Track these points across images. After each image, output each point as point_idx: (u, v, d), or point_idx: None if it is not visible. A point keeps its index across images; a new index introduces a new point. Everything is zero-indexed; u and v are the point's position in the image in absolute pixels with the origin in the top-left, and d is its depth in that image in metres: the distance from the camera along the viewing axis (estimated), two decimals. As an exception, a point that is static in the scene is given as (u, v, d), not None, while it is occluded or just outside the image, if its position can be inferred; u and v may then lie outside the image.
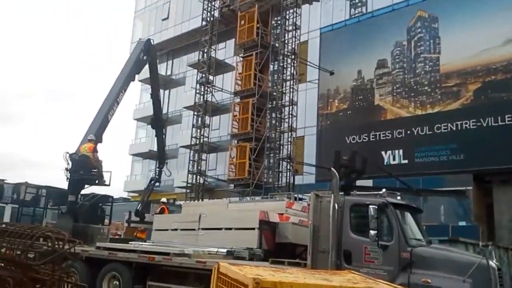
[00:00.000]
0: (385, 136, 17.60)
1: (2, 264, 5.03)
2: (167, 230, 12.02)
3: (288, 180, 23.14)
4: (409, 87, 17.91)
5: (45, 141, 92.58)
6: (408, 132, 17.10)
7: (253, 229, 10.09)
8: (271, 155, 24.48)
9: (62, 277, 4.99)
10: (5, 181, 25.72)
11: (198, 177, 26.53)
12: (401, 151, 17.00)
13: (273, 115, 25.21)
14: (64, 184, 14.45)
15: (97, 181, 14.27)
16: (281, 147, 23.74)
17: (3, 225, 6.02)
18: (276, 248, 10.08)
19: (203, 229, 11.08)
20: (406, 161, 16.82)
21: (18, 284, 4.45)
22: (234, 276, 3.72)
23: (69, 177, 13.69)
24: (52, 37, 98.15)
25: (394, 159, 17.02)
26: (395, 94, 18.32)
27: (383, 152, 17.25)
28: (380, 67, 18.91)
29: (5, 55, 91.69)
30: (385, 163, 16.74)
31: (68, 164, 13.64)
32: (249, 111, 24.52)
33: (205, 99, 27.70)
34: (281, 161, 23.75)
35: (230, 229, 10.62)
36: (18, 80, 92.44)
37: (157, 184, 19.00)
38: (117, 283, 10.01)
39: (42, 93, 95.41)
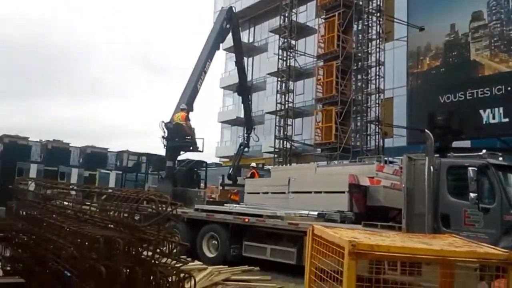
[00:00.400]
0: (483, 93, 16.48)
1: (112, 226, 5.50)
2: (258, 193, 12.47)
3: (377, 143, 22.54)
4: (508, 39, 16.48)
5: (142, 112, 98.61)
6: (509, 88, 15.86)
7: (343, 192, 10.12)
8: (358, 118, 23.88)
9: (166, 237, 5.36)
10: (108, 150, 28.02)
11: (285, 142, 26.78)
12: (501, 109, 15.87)
13: (359, 77, 24.39)
14: (161, 151, 15.42)
15: (191, 148, 15.00)
16: (369, 109, 23.07)
17: (110, 190, 6.52)
18: (368, 211, 10.04)
19: (292, 192, 11.32)
20: (507, 120, 15.68)
21: (126, 244, 4.84)
22: (329, 238, 3.77)
23: (166, 144, 14.54)
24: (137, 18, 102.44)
25: (493, 118, 15.93)
26: (493, 48, 16.98)
27: (481, 111, 16.22)
28: (475, 20, 17.53)
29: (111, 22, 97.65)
30: (484, 123, 15.76)
31: (164, 132, 14.46)
32: (333, 74, 23.95)
33: (288, 64, 27.53)
34: (369, 124, 23.13)
35: (320, 192, 10.76)
36: (112, 54, 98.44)
37: (246, 149, 19.56)
38: (216, 242, 10.66)
39: (136, 66, 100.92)
